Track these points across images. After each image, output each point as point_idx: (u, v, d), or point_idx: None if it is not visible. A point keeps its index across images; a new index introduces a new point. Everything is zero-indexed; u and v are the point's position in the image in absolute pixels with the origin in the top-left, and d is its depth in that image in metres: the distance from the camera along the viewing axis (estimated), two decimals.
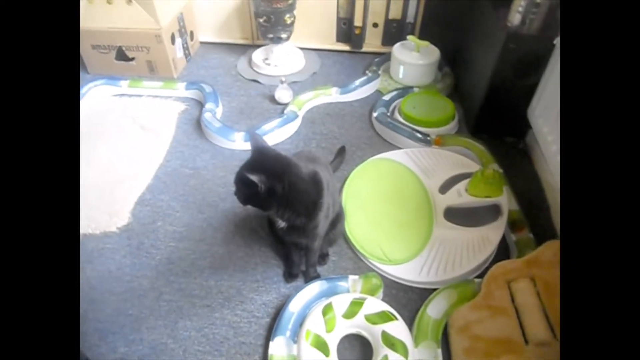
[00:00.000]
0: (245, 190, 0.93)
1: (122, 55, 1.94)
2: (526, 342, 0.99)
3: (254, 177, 0.88)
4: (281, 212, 0.97)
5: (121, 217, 1.38)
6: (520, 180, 1.44)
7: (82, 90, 1.83)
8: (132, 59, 1.95)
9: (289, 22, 1.88)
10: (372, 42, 2.13)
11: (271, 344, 1.03)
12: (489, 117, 1.60)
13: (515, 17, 1.39)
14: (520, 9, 1.37)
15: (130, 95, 1.89)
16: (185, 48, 2.07)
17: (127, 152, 1.61)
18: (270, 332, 1.08)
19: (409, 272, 1.20)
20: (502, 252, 1.26)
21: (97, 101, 1.86)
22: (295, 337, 1.04)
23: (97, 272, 1.23)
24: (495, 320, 1.04)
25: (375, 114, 1.71)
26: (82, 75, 2.00)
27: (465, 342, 1.01)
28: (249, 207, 0.97)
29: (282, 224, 1.01)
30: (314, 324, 1.03)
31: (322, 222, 1.02)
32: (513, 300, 1.07)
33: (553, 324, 0.99)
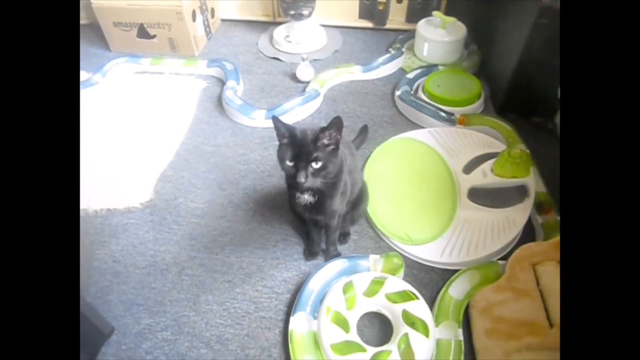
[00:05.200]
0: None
1: (143, 33, 1.94)
2: (550, 325, 0.97)
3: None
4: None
5: (144, 193, 1.39)
6: (547, 162, 1.39)
7: (105, 68, 1.85)
8: (154, 36, 1.94)
9: None
10: (396, 18, 2.07)
11: (292, 318, 1.04)
12: (517, 96, 1.55)
13: None
14: None
15: (152, 73, 1.89)
16: (206, 25, 2.05)
17: (149, 129, 1.62)
18: (290, 308, 1.08)
19: (431, 253, 1.18)
20: (528, 234, 1.23)
21: (119, 79, 1.87)
22: (315, 313, 1.05)
23: (122, 246, 1.26)
24: (518, 303, 1.02)
25: (398, 93, 1.67)
26: (105, 53, 2.02)
27: (487, 323, 1.00)
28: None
29: (309, 199, 0.99)
30: (335, 301, 1.03)
31: (339, 198, 1.01)
32: (538, 283, 1.04)
33: None
